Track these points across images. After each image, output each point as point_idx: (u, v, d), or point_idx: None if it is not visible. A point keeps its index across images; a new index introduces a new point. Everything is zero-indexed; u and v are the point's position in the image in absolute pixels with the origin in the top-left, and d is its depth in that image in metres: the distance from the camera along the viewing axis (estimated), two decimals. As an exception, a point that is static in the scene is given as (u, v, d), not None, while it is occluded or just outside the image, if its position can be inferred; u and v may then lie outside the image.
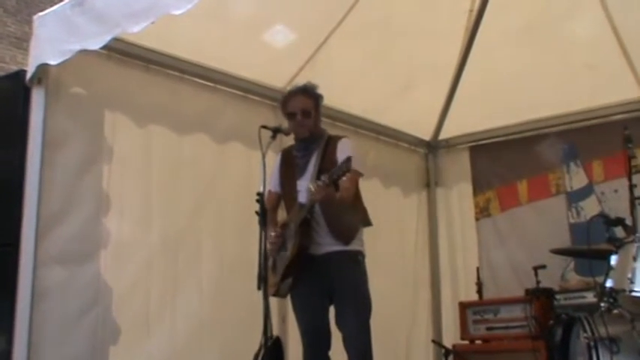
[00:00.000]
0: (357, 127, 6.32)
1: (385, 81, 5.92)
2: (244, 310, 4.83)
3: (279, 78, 5.53)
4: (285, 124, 4.30)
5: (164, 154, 4.84)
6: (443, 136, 7.09)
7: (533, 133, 6.52)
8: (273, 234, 4.11)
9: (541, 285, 5.34)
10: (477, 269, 6.37)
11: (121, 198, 4.55)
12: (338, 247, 4.05)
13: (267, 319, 3.62)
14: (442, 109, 6.73)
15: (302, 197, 4.11)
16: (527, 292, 5.34)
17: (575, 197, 6.29)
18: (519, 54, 5.74)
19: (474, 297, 6.16)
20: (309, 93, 4.22)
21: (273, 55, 5.27)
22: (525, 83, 5.94)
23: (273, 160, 5.32)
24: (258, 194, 3.78)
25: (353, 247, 4.11)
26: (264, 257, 3.70)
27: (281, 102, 4.33)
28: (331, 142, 4.17)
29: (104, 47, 4.10)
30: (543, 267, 5.44)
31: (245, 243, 4.78)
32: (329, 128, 5.88)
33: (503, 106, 6.29)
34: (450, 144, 7.10)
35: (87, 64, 4.33)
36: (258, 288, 3.67)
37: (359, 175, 4.02)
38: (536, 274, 5.38)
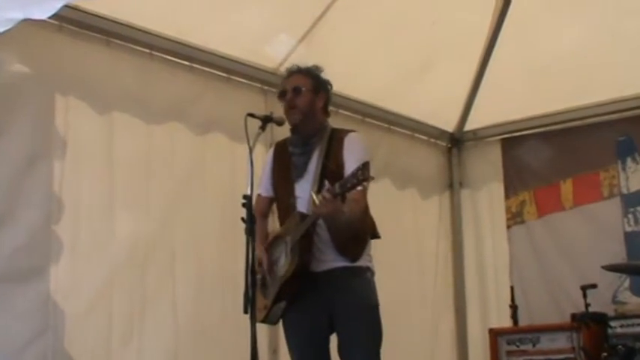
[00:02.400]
0: (365, 115, 6.32)
1: (399, 60, 5.90)
2: (227, 338, 4.84)
3: (270, 57, 5.52)
4: (278, 111, 4.21)
5: (130, 148, 4.81)
6: (469, 126, 7.08)
7: (579, 123, 6.48)
8: (260, 252, 4.03)
9: (591, 309, 5.27)
10: (511, 289, 6.36)
11: (76, 201, 4.51)
12: (343, 263, 3.98)
13: (255, 351, 3.48)
14: (469, 95, 6.71)
15: (301, 204, 4.02)
16: (574, 317, 5.29)
17: (632, 200, 6.24)
18: (564, 26, 5.72)
19: (508, 323, 6.16)
20: (305, 71, 4.17)
21: (262, 29, 5.24)
22: (571, 62, 5.88)
23: (263, 155, 5.33)
24: (245, 197, 3.68)
25: (360, 262, 4.03)
26: (251, 273, 3.60)
27: (280, 86, 4.27)
28: (336, 137, 4.09)
29: (54, 17, 4.00)
30: (593, 286, 5.37)
31: (228, 256, 4.84)
32: (331, 117, 5.93)
33: (543, 90, 6.26)
34: (478, 136, 7.09)
35: (33, 38, 4.28)
36: (245, 311, 3.56)
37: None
38: (584, 295, 5.31)
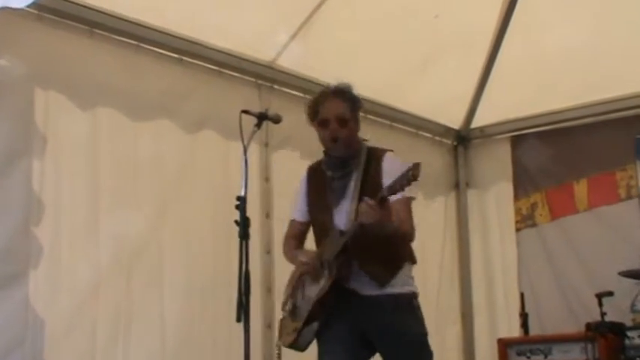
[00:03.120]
0: (366, 112, 6.12)
1: (402, 53, 5.89)
2: (219, 348, 4.85)
3: (265, 49, 5.53)
4: (273, 107, 4.24)
5: (115, 146, 4.79)
6: (476, 123, 7.08)
7: (594, 120, 6.45)
8: (304, 259, 4.10)
9: (607, 318, 5.25)
10: (522, 295, 6.34)
11: (57, 202, 4.48)
12: (389, 290, 3.99)
13: (249, 362, 3.56)
14: (476, 90, 6.69)
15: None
16: (589, 327, 5.24)
17: (652, 202, 6.22)
18: (576, 18, 5.69)
19: (518, 332, 6.15)
20: (345, 95, 4.15)
21: (257, 20, 5.22)
22: (585, 56, 5.86)
23: (258, 154, 5.36)
24: (239, 199, 3.69)
25: (405, 289, 4.06)
26: (245, 279, 3.60)
27: (309, 106, 4.23)
28: (373, 156, 4.12)
29: (34, 5, 4.03)
30: (610, 294, 5.35)
31: (221, 261, 4.87)
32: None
33: (555, 85, 6.25)
34: (486, 134, 7.08)
35: (10, 27, 4.25)
36: (238, 320, 3.56)
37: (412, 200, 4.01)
38: (600, 304, 5.30)
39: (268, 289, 5.35)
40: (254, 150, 5.14)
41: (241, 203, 3.66)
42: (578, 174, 6.53)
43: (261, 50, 5.50)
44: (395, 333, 3.95)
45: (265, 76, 5.56)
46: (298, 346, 4.10)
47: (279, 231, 5.39)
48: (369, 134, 6.23)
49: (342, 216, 4.03)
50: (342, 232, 3.95)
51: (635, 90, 6.17)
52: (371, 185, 3.95)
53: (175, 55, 5.12)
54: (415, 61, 6.01)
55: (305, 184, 4.31)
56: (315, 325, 4.04)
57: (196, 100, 5.21)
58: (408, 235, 4.03)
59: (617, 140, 6.34)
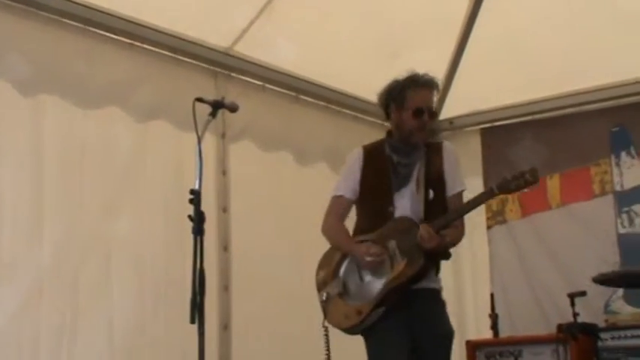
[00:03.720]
0: (330, 102, 6.34)
1: (369, 41, 5.91)
2: (172, 352, 4.82)
3: (223, 34, 5.52)
4: (230, 96, 4.23)
5: (61, 136, 4.75)
6: (445, 114, 7.05)
7: (568, 112, 6.51)
8: (373, 249, 4.27)
9: (580, 319, 5.27)
10: (491, 296, 6.34)
11: None
12: (431, 284, 4.37)
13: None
14: (445, 80, 6.64)
15: (400, 213, 4.37)
16: (561, 328, 5.27)
17: (627, 199, 6.27)
18: (551, 6, 5.72)
19: (487, 334, 6.13)
20: (436, 88, 4.49)
21: (213, 4, 5.22)
22: (559, 44, 5.90)
23: (213, 145, 5.33)
24: (193, 192, 3.66)
25: (438, 283, 4.45)
26: (199, 277, 3.57)
27: (392, 87, 4.50)
28: (432, 147, 4.51)
29: None
30: (582, 294, 5.37)
31: (174, 258, 4.84)
32: (289, 103, 5.94)
33: (528, 75, 6.26)
34: (455, 125, 7.09)
35: None
36: (192, 321, 3.53)
37: None
38: (572, 304, 5.31)
39: (225, 288, 5.34)
40: (209, 141, 5.13)
41: (195, 197, 3.63)
42: (550, 169, 6.53)
43: (217, 36, 5.47)
44: (441, 324, 4.34)
45: (222, 63, 5.54)
46: (361, 327, 4.28)
47: (237, 226, 5.44)
48: (335, 125, 6.29)
49: (403, 202, 4.33)
50: (412, 223, 4.25)
51: (610, 80, 6.22)
52: (434, 172, 4.38)
53: (126, 40, 5.08)
54: (381, 50, 6.00)
55: (360, 163, 4.52)
56: (381, 310, 4.22)
57: (148, 88, 5.17)
58: (457, 244, 4.50)
59: (592, 133, 6.38)
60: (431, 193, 4.31)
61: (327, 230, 4.48)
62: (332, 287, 4.32)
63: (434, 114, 4.51)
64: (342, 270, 4.39)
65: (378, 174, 4.45)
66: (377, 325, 4.25)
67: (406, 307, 4.24)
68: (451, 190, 4.40)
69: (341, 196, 4.50)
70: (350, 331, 4.32)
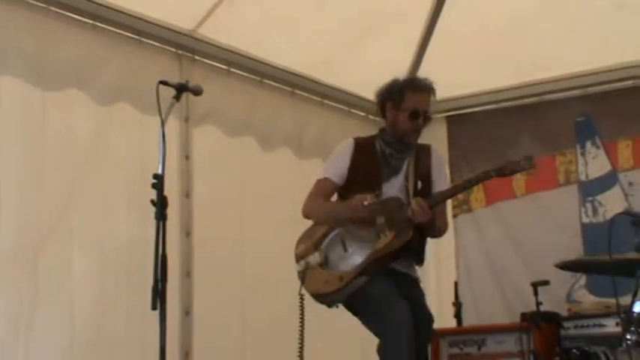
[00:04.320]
0: (294, 86, 6.30)
1: (334, 26, 5.88)
2: (133, 339, 4.79)
3: (187, 17, 5.47)
4: (194, 80, 4.18)
5: (20, 119, 4.71)
6: (411, 102, 7.04)
7: (534, 100, 6.55)
8: (367, 202, 4.34)
9: (543, 308, 5.34)
10: (455, 284, 6.39)
11: None
12: (413, 272, 4.54)
13: (164, 354, 3.45)
14: (411, 66, 6.65)
15: None
16: (524, 317, 5.34)
17: (591, 189, 6.34)
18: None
19: (451, 322, 6.18)
20: (433, 94, 4.61)
21: None
22: (526, 32, 5.93)
23: (177, 129, 5.30)
24: (156, 176, 3.65)
25: (417, 274, 4.60)
26: (161, 263, 3.56)
27: (394, 85, 4.62)
28: (422, 150, 4.65)
29: None
30: (545, 283, 5.45)
31: (135, 244, 4.79)
32: (254, 88, 5.91)
33: (494, 62, 6.29)
34: None
35: None
36: (153, 307, 3.52)
37: None
38: (535, 293, 5.38)
39: (187, 274, 5.31)
40: (173, 125, 5.10)
41: (158, 182, 3.62)
42: (516, 157, 6.55)
43: (182, 18, 5.43)
44: (425, 310, 4.39)
45: (186, 45, 5.50)
46: (342, 294, 4.31)
47: (200, 212, 5.41)
48: (300, 111, 6.28)
49: (391, 191, 4.44)
50: (401, 203, 4.35)
51: (576, 70, 6.27)
52: (423, 170, 4.55)
53: (89, 21, 5.03)
54: (348, 34, 6.00)
55: (351, 152, 4.59)
56: (363, 279, 4.28)
57: (111, 70, 5.13)
58: (442, 234, 4.67)
59: (558, 123, 6.43)
60: (419, 184, 4.46)
61: (315, 208, 4.50)
62: (312, 258, 4.36)
63: (429, 118, 4.58)
64: (324, 243, 4.43)
65: (369, 163, 4.54)
66: (365, 288, 4.30)
67: (394, 282, 4.31)
68: (437, 188, 4.52)
69: (327, 179, 4.55)
70: (328, 297, 4.36)
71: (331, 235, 4.44)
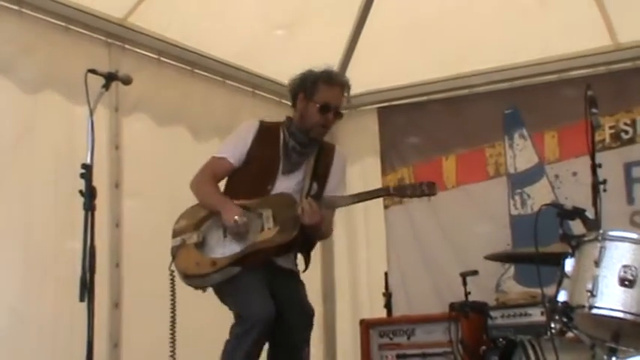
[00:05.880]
0: (226, 77, 6.30)
1: (265, 15, 5.90)
2: (61, 331, 4.76)
3: (117, 5, 5.43)
4: (124, 69, 4.17)
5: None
6: (343, 93, 7.05)
7: (464, 92, 6.62)
8: (240, 218, 4.26)
9: (471, 298, 5.40)
10: (386, 275, 6.44)
11: None
12: (293, 267, 4.54)
13: (91, 345, 3.44)
14: (343, 57, 6.71)
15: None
16: (453, 307, 5.39)
17: (519, 181, 6.43)
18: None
19: (381, 313, 6.23)
20: (347, 91, 4.58)
21: None
22: (456, 25, 5.99)
23: (106, 119, 5.24)
24: (84, 166, 3.63)
25: (297, 267, 4.59)
26: (90, 254, 3.55)
27: (306, 77, 4.56)
28: (325, 147, 4.62)
29: None
30: (474, 273, 5.51)
31: (63, 235, 4.78)
32: (185, 78, 5.88)
33: (425, 54, 6.34)
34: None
35: None
36: (81, 299, 3.50)
37: None
38: (464, 283, 5.45)
39: (116, 265, 5.29)
40: (102, 114, 5.05)
41: (87, 172, 3.61)
42: (447, 149, 6.66)
43: (111, 6, 5.38)
44: (304, 304, 4.43)
45: (116, 34, 5.45)
46: (210, 280, 4.28)
47: (130, 202, 5.38)
48: (231, 101, 6.27)
49: (284, 185, 4.41)
50: (293, 200, 4.32)
51: (504, 62, 6.34)
52: (321, 171, 4.52)
53: (14, 7, 4.95)
54: (280, 24, 6.02)
55: (253, 135, 4.52)
56: (236, 270, 4.24)
57: (38, 58, 5.06)
58: (324, 239, 4.80)
59: (487, 115, 6.51)
60: (314, 187, 4.44)
61: (201, 186, 4.45)
62: (189, 236, 4.31)
63: (339, 114, 4.53)
64: (205, 224, 4.37)
65: (269, 151, 4.48)
66: (238, 279, 4.26)
67: (268, 278, 4.30)
68: (330, 192, 4.50)
69: (224, 158, 4.49)
70: (196, 280, 4.31)
71: (214, 218, 4.37)
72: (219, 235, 4.34)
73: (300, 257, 4.61)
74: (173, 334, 4.37)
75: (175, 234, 4.36)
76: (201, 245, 4.33)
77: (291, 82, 4.61)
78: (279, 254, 4.37)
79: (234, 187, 4.49)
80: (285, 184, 4.42)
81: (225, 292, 4.30)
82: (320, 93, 4.46)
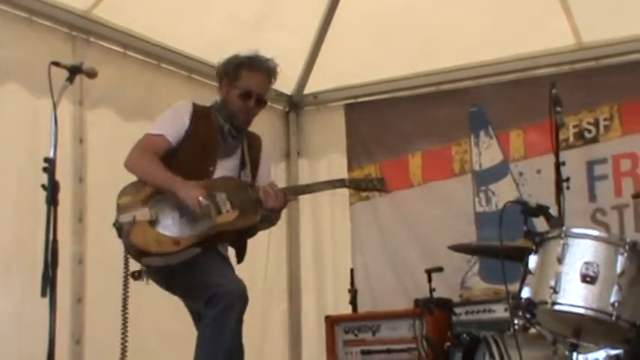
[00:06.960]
0: (191, 71, 6.28)
1: (232, 10, 5.89)
2: (24, 326, 4.75)
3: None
4: (89, 62, 4.12)
5: None
6: (310, 89, 7.11)
7: (431, 90, 6.64)
8: (203, 199, 4.12)
9: (436, 294, 5.43)
10: (351, 271, 6.45)
11: None
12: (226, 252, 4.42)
13: (52, 342, 3.41)
14: (310, 53, 6.73)
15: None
16: (417, 303, 5.38)
17: (484, 178, 6.46)
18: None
19: (346, 309, 6.23)
20: (274, 77, 4.47)
21: None
22: (423, 22, 6.01)
23: (70, 112, 5.21)
24: (47, 160, 3.59)
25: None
26: (52, 249, 3.51)
27: (230, 62, 4.45)
28: (253, 137, 4.57)
29: None
30: (439, 270, 5.55)
31: (25, 229, 4.75)
32: (150, 71, 5.85)
33: (393, 52, 6.36)
34: (320, 100, 7.14)
35: None
36: (43, 294, 3.47)
37: None
38: (429, 280, 5.48)
39: (80, 261, 5.25)
40: (66, 108, 5.01)
41: (50, 166, 3.57)
42: (413, 147, 6.67)
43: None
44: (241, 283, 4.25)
45: (80, 27, 5.41)
46: (173, 259, 4.15)
47: (94, 197, 5.34)
48: (196, 96, 6.25)
49: (226, 168, 4.34)
50: (244, 184, 4.28)
51: (470, 60, 6.38)
52: (253, 160, 4.48)
53: (-23, -1, 4.92)
54: (247, 18, 6.00)
55: (190, 114, 4.39)
56: (197, 250, 4.16)
57: (0, 50, 5.00)
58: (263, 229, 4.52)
59: (453, 113, 6.53)
60: (248, 174, 4.39)
61: (146, 163, 4.27)
62: (140, 213, 4.12)
63: (262, 102, 4.44)
64: (152, 201, 4.19)
65: (207, 132, 4.37)
66: (199, 258, 4.16)
67: (222, 257, 4.32)
68: (261, 181, 4.42)
69: (162, 136, 4.32)
70: (156, 257, 4.16)
71: (163, 196, 4.20)
72: (174, 214, 4.19)
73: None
74: (125, 320, 4.36)
75: (122, 209, 4.15)
76: (155, 223, 4.16)
77: (218, 67, 4.51)
78: (235, 238, 4.31)
79: (170, 166, 4.26)
80: (225, 167, 4.35)
81: (185, 272, 4.18)
82: (242, 79, 4.36)
